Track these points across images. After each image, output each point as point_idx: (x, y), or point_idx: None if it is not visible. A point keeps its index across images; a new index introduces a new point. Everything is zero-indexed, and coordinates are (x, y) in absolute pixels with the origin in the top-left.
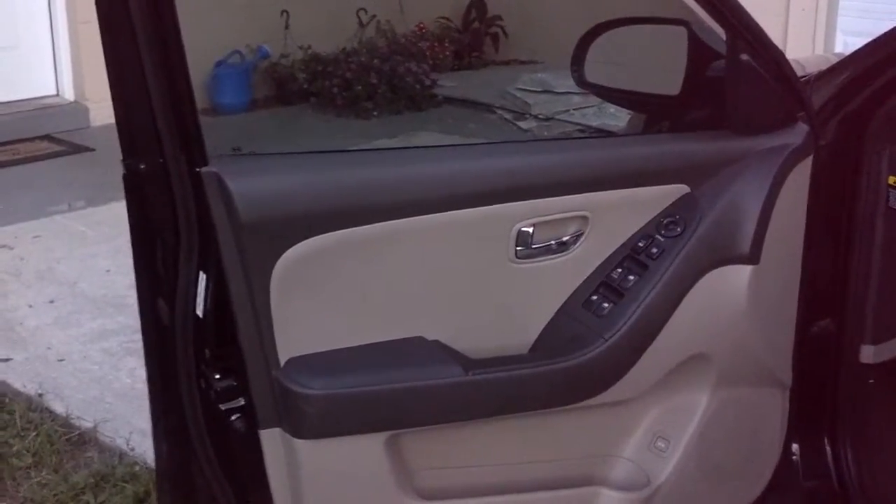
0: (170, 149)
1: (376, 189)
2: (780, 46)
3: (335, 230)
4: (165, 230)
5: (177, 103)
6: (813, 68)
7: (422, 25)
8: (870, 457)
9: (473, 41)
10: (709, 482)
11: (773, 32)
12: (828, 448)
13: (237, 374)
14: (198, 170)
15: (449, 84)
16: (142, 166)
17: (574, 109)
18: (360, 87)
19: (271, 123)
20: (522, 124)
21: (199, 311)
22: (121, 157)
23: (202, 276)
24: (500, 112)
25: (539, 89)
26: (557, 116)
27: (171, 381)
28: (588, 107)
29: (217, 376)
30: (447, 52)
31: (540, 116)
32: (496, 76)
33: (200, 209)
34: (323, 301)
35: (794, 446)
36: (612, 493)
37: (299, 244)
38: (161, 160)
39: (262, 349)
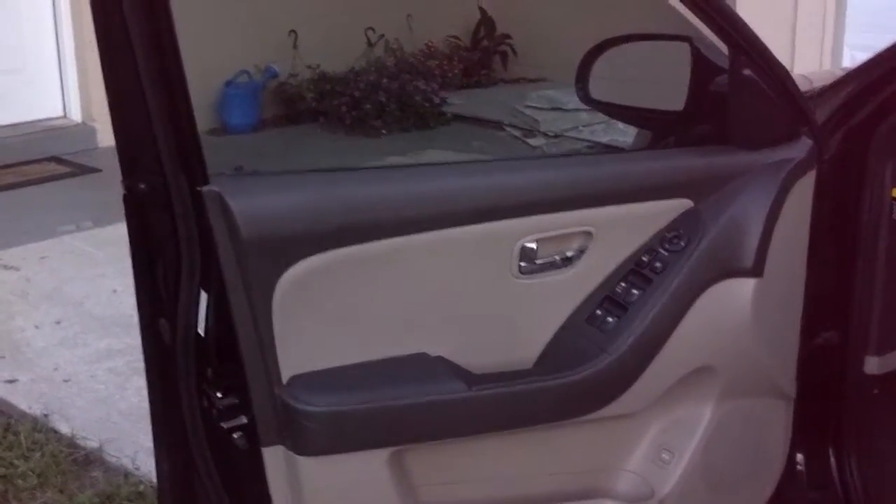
0: (170, 168)
1: (379, 206)
2: (788, 61)
3: (337, 248)
4: (167, 249)
5: (177, 122)
6: (820, 83)
7: (430, 44)
8: (874, 468)
9: (482, 59)
10: (713, 494)
11: (781, 46)
12: (832, 459)
13: (239, 392)
14: (199, 189)
15: (458, 102)
16: (142, 186)
17: (583, 126)
18: (368, 106)
19: (280, 143)
20: (532, 141)
21: (201, 330)
22: (120, 178)
23: (204, 295)
24: (509, 129)
25: (548, 106)
26: (566, 133)
27: (173, 400)
28: (597, 123)
29: (219, 394)
30: (456, 71)
31: (549, 133)
32: (505, 94)
33: (202, 228)
34: (325, 318)
35: (799, 457)
36: None
37: (301, 262)
38: (162, 179)
39: (264, 367)
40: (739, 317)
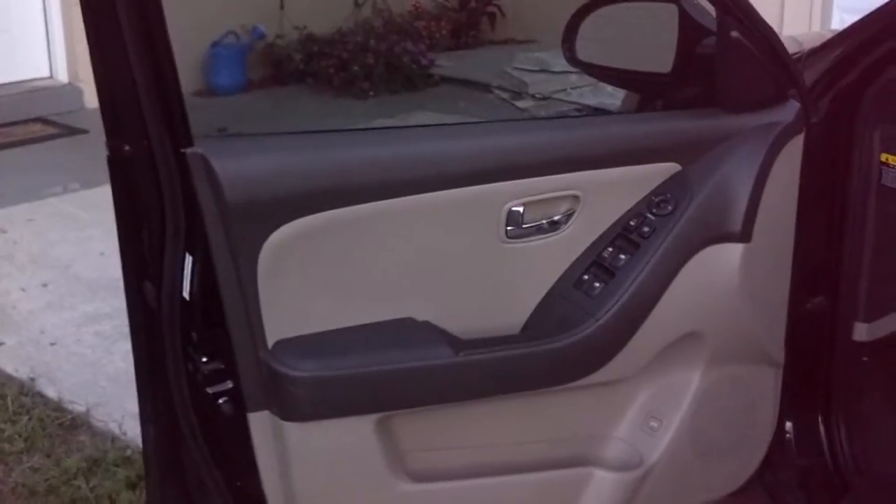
0: (154, 130)
1: (365, 169)
2: (777, 23)
3: (323, 211)
4: (151, 212)
5: (161, 84)
6: (810, 46)
7: (418, 5)
8: (863, 434)
9: (470, 20)
10: (702, 461)
11: (770, 9)
12: (821, 426)
13: (225, 357)
14: (183, 151)
15: (446, 64)
16: (126, 148)
17: (571, 88)
18: (356, 68)
19: (267, 104)
20: (520, 104)
21: (186, 294)
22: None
23: (189, 259)
24: (497, 92)
25: (536, 69)
26: (555, 96)
27: (158, 365)
28: (585, 86)
29: (204, 359)
30: (444, 32)
31: (537, 96)
32: (493, 56)
33: (186, 191)
34: (311, 282)
35: (788, 424)
36: (605, 473)
37: (287, 225)
38: (146, 142)
39: (249, 331)
40: (727, 282)
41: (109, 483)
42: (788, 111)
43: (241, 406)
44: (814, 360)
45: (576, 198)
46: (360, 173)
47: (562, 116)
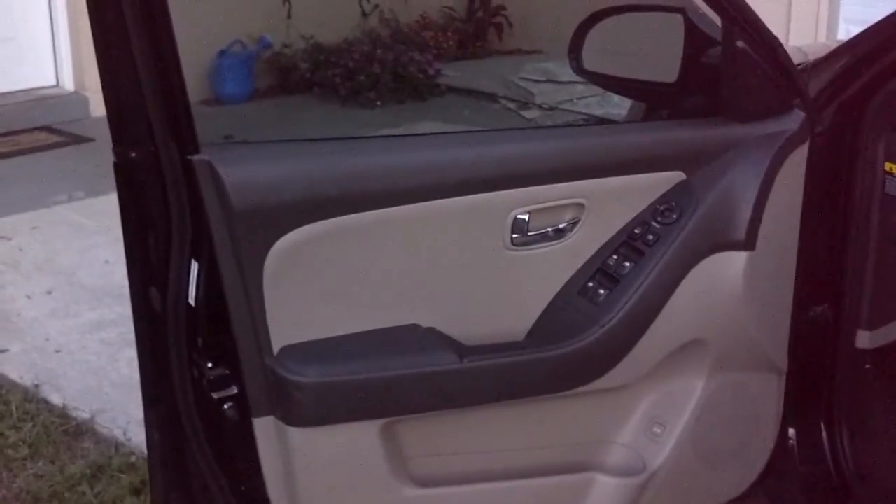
0: (161, 137)
1: (370, 177)
2: (783, 33)
3: (328, 218)
4: (157, 218)
5: (168, 91)
6: (815, 56)
7: (425, 15)
8: (866, 442)
9: (477, 30)
10: (705, 467)
11: (776, 19)
12: (824, 433)
13: (230, 363)
14: (189, 158)
15: (452, 73)
16: (133, 155)
17: (578, 98)
18: (363, 77)
19: (274, 113)
20: (526, 114)
21: (192, 300)
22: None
23: (194, 265)
24: (503, 101)
25: (543, 78)
26: (561, 105)
27: (164, 371)
28: (592, 96)
29: (210, 365)
30: (451, 42)
31: (544, 106)
32: (500, 66)
33: (192, 197)
34: (316, 289)
35: (791, 431)
36: (608, 478)
37: (292, 232)
38: (152, 148)
39: (255, 337)
40: (731, 290)
41: (114, 489)
42: (793, 121)
43: (246, 411)
44: (817, 367)
45: (581, 206)
46: (366, 181)
47: (567, 125)
